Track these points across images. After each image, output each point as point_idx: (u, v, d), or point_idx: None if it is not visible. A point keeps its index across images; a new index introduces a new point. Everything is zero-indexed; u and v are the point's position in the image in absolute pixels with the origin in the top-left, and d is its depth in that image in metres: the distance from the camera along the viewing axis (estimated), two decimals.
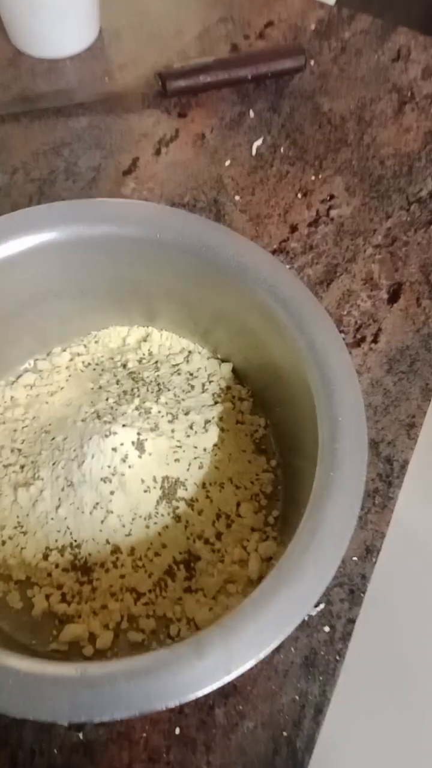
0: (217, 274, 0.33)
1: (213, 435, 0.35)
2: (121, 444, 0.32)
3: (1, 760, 0.30)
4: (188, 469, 0.34)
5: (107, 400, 0.35)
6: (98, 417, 0.33)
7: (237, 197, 0.48)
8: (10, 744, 0.30)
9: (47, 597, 0.32)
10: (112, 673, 0.23)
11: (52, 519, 0.33)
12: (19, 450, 0.35)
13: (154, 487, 0.33)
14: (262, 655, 0.23)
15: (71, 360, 0.39)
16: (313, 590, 0.24)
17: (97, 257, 0.34)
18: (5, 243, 0.31)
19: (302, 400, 0.32)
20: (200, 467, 0.34)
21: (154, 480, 0.33)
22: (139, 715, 0.22)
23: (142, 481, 0.32)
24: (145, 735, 0.31)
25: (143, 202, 0.34)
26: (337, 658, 0.34)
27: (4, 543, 0.33)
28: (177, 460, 0.33)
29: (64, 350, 0.39)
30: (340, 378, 0.28)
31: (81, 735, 0.30)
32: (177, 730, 0.31)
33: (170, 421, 0.34)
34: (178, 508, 0.33)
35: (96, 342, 0.39)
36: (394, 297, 0.45)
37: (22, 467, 0.34)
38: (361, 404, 0.28)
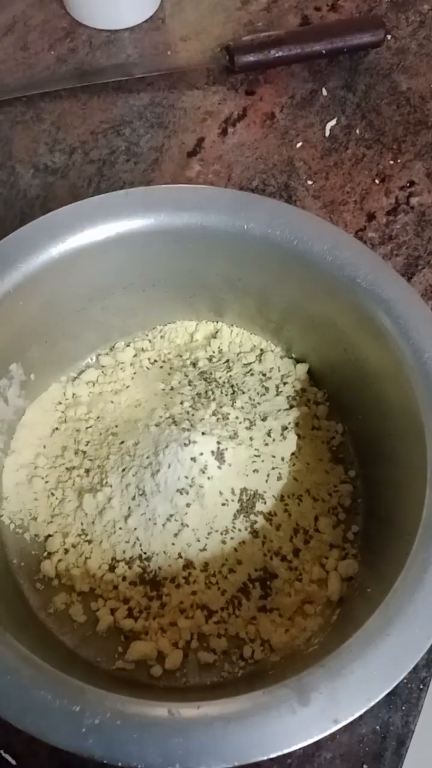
0: (307, 269, 0.30)
1: (291, 443, 0.32)
2: (201, 454, 0.29)
3: None
4: (267, 481, 0.31)
5: (182, 403, 0.32)
6: (174, 423, 0.31)
7: (309, 182, 0.45)
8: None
9: (112, 611, 0.30)
10: (207, 717, 0.20)
11: (120, 529, 0.30)
12: (84, 452, 0.33)
13: (233, 500, 0.30)
14: (370, 704, 0.21)
15: (135, 356, 0.36)
16: (425, 634, 0.22)
17: (174, 248, 0.31)
18: (79, 233, 0.29)
19: (397, 410, 0.29)
20: (279, 478, 0.32)
21: (233, 492, 0.30)
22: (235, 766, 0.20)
23: (221, 493, 0.30)
24: None
25: (227, 189, 0.31)
26: (421, 686, 0.31)
27: (67, 551, 0.31)
28: (256, 470, 0.31)
29: (128, 345, 0.37)
30: None
31: None
32: None
33: (248, 428, 0.32)
34: (255, 522, 0.31)
35: (162, 337, 0.37)
36: None
37: (87, 471, 0.32)
38: None
